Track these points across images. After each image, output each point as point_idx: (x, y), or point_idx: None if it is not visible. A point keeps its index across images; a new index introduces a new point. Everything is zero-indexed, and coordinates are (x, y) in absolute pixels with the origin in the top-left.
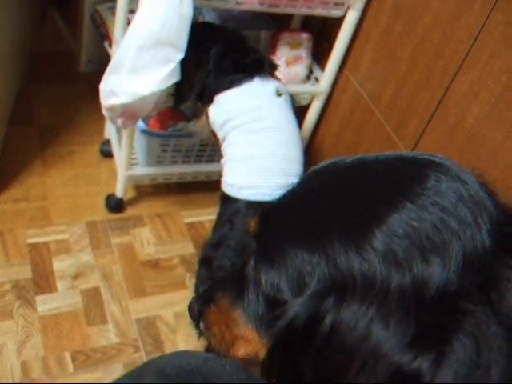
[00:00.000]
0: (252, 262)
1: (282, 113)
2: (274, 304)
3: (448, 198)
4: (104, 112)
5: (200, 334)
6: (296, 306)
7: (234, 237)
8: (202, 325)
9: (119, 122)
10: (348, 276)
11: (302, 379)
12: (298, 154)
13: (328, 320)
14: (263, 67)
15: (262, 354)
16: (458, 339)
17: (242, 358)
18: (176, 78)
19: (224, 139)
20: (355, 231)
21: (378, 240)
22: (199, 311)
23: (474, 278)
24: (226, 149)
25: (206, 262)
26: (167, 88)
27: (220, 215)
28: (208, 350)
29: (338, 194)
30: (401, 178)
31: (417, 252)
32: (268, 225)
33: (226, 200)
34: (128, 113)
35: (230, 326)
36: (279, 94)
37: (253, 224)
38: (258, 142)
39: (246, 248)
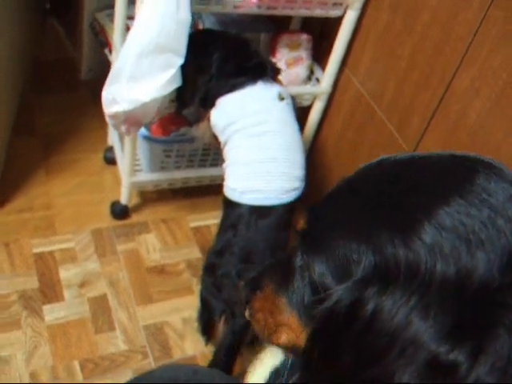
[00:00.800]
0: (299, 252)
1: (283, 117)
2: (318, 291)
3: (497, 196)
4: (107, 119)
5: (207, 340)
6: (340, 291)
7: (238, 243)
8: (247, 312)
9: (123, 128)
10: (392, 265)
11: (341, 364)
12: (300, 158)
13: (370, 306)
14: (266, 71)
15: (303, 341)
16: (497, 333)
17: (284, 345)
18: (177, 84)
19: (226, 143)
20: (404, 223)
21: (427, 233)
22: (246, 298)
23: None
24: (228, 153)
25: (210, 268)
26: (169, 94)
27: (223, 220)
28: (212, 364)
29: (388, 186)
30: (452, 173)
31: (463, 245)
32: (317, 217)
33: (229, 205)
34: (131, 119)
35: (274, 313)
36: (281, 98)
37: (301, 221)
38: (259, 146)
39: (250, 254)
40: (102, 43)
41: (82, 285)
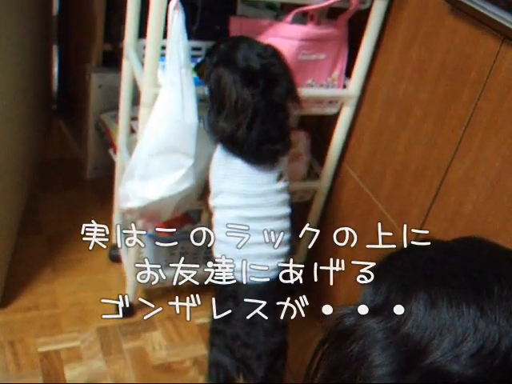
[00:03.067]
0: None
1: (278, 199)
2: None
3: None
4: (125, 214)
5: None
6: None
7: (242, 309)
8: None
9: (139, 223)
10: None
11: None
12: (288, 237)
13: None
14: (285, 151)
15: None
16: None
17: None
18: (188, 183)
19: (215, 207)
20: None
21: (424, 304)
22: None
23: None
24: (217, 226)
25: (218, 332)
26: (191, 192)
27: (221, 288)
28: None
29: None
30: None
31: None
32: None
33: None
34: (147, 215)
35: None
36: (280, 177)
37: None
38: (252, 230)
39: (255, 316)
40: (107, 143)
41: None
